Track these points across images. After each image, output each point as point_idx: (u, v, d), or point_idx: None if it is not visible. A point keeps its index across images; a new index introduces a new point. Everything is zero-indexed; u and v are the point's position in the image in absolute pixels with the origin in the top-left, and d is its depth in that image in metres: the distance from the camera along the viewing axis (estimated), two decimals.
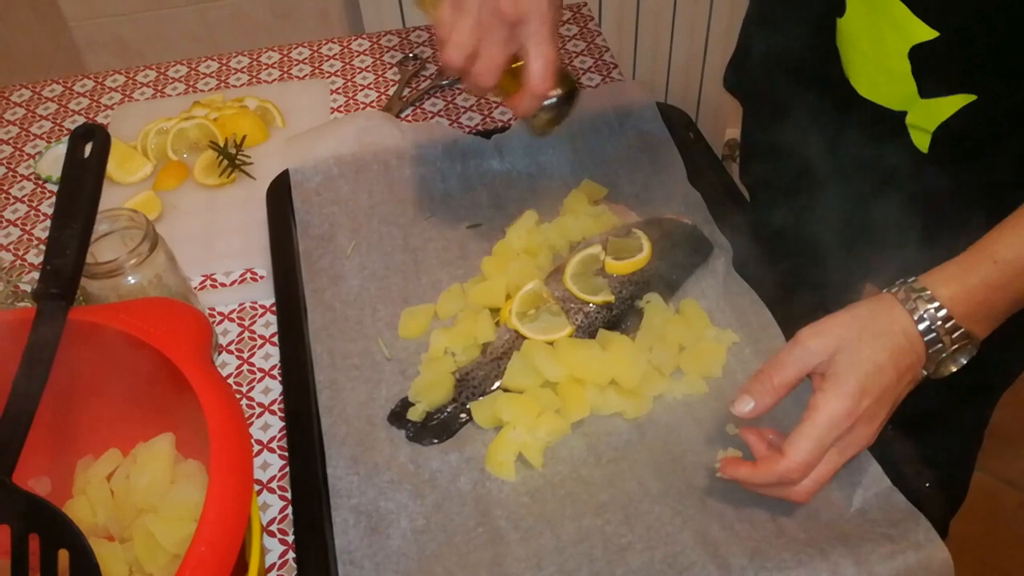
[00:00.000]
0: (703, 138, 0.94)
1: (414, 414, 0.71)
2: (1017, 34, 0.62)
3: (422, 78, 1.10)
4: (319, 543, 0.63)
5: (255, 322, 0.84)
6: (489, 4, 0.64)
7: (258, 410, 0.76)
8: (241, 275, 0.88)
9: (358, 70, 1.12)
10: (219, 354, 0.81)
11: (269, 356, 0.80)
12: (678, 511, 0.64)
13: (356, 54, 1.15)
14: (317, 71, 1.12)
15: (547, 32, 0.65)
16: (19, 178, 1.01)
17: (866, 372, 0.57)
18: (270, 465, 0.73)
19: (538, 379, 0.72)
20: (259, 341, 0.82)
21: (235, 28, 1.67)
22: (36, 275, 0.88)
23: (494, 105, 1.05)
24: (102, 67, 1.17)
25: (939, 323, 0.58)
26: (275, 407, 0.77)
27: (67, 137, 1.03)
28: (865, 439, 0.59)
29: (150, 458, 0.62)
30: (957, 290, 0.58)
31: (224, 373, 0.79)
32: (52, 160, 1.01)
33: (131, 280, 0.71)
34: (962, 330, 0.58)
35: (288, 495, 0.70)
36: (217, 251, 0.90)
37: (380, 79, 1.10)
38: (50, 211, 0.96)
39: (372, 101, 1.07)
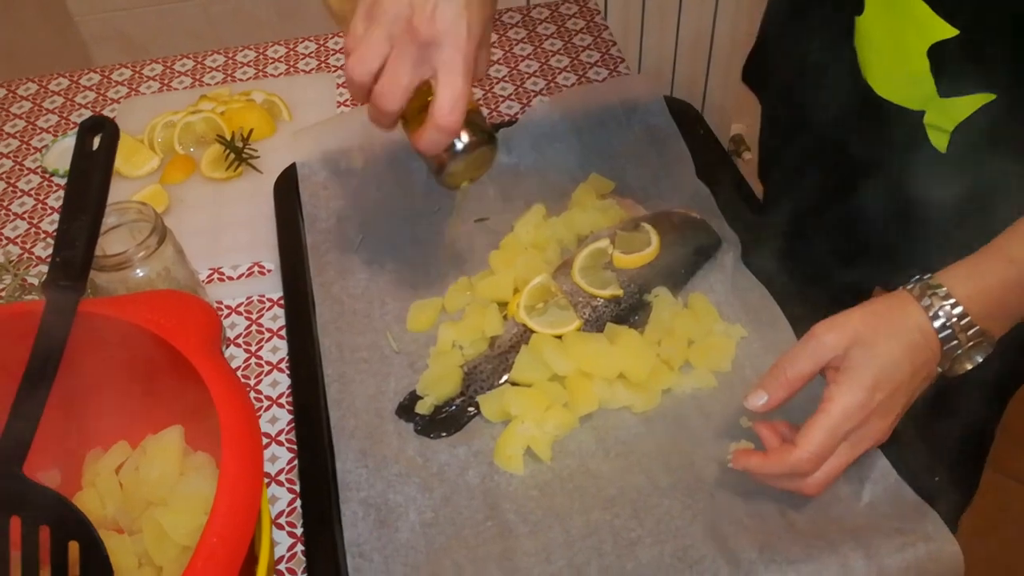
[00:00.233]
0: (711, 132, 0.94)
1: (422, 407, 0.71)
2: None
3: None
4: (328, 536, 0.64)
5: (263, 315, 0.84)
6: (402, 19, 0.58)
7: (266, 403, 0.76)
8: (248, 268, 0.88)
9: None
10: (227, 347, 0.81)
11: (277, 349, 0.80)
12: (687, 505, 0.64)
13: None
14: (323, 65, 1.12)
15: (461, 62, 0.59)
16: (26, 172, 1.01)
17: (881, 366, 0.57)
18: (278, 458, 0.73)
19: (546, 373, 0.72)
20: (267, 334, 0.82)
21: (239, 24, 1.67)
22: (43, 268, 0.88)
23: (500, 99, 1.05)
24: (108, 62, 1.17)
25: (955, 320, 0.57)
26: (283, 400, 0.77)
27: (74, 131, 1.03)
28: (879, 433, 0.59)
29: (159, 450, 0.62)
30: (973, 288, 0.57)
31: (232, 366, 0.79)
32: (59, 154, 1.01)
33: (139, 273, 0.71)
34: (977, 328, 0.58)
35: (297, 488, 0.70)
36: (224, 244, 0.90)
37: None
38: (57, 205, 0.96)
39: None
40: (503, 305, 0.78)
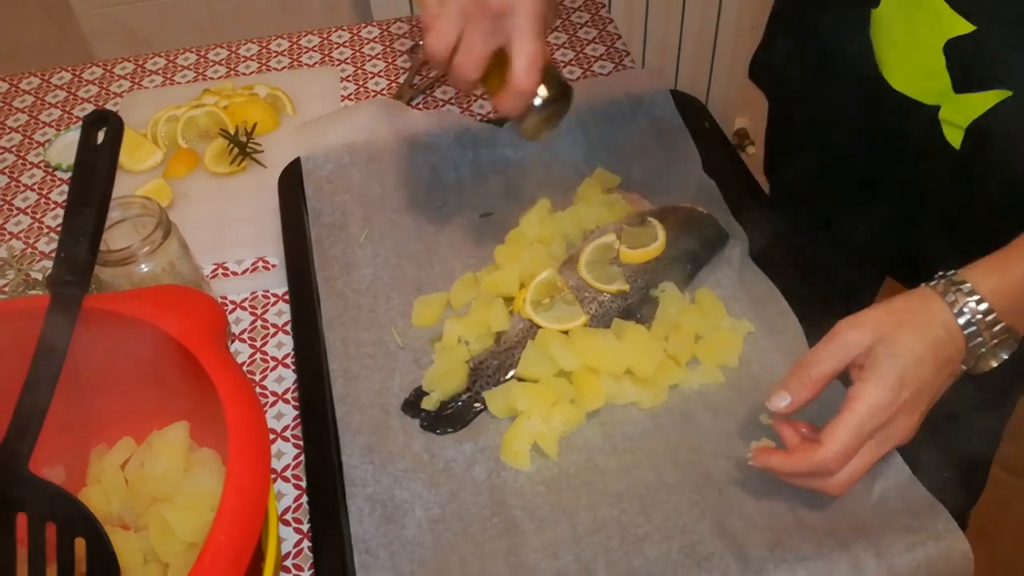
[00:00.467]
0: (717, 126, 0.93)
1: (428, 403, 0.71)
2: None
3: (432, 66, 1.09)
4: (334, 532, 0.63)
5: (267, 311, 0.83)
6: None
7: (271, 399, 0.76)
8: (253, 263, 0.88)
9: (368, 58, 1.11)
10: (232, 343, 0.81)
11: (282, 344, 0.80)
12: (695, 501, 0.64)
13: (366, 41, 1.14)
14: (327, 59, 1.12)
15: (533, 26, 0.62)
16: (29, 166, 1.00)
17: (906, 363, 0.56)
18: (284, 454, 0.72)
19: (553, 368, 0.71)
20: (272, 330, 0.81)
21: (242, 17, 1.66)
22: (47, 263, 0.88)
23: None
24: (110, 56, 1.17)
25: (979, 317, 0.56)
26: (288, 395, 0.76)
27: (76, 125, 1.03)
28: (904, 432, 0.58)
29: (164, 446, 0.62)
30: (998, 284, 0.57)
31: (237, 362, 0.79)
32: (62, 148, 1.00)
33: (144, 268, 0.70)
34: (1003, 324, 0.57)
35: (303, 484, 0.70)
36: (228, 239, 0.89)
37: (390, 67, 1.10)
38: (60, 199, 0.96)
39: (383, 89, 1.06)
40: (509, 300, 0.78)
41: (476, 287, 0.79)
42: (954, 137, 0.69)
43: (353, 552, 0.62)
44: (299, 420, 0.73)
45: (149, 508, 0.60)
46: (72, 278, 0.58)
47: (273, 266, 0.87)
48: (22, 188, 0.98)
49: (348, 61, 1.11)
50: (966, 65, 0.65)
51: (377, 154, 0.91)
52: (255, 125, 0.98)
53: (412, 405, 0.72)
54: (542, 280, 0.77)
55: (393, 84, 1.07)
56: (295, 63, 1.11)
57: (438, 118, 0.93)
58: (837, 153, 0.81)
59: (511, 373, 0.73)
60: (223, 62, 1.12)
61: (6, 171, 1.00)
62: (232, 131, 0.97)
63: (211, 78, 1.10)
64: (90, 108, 1.07)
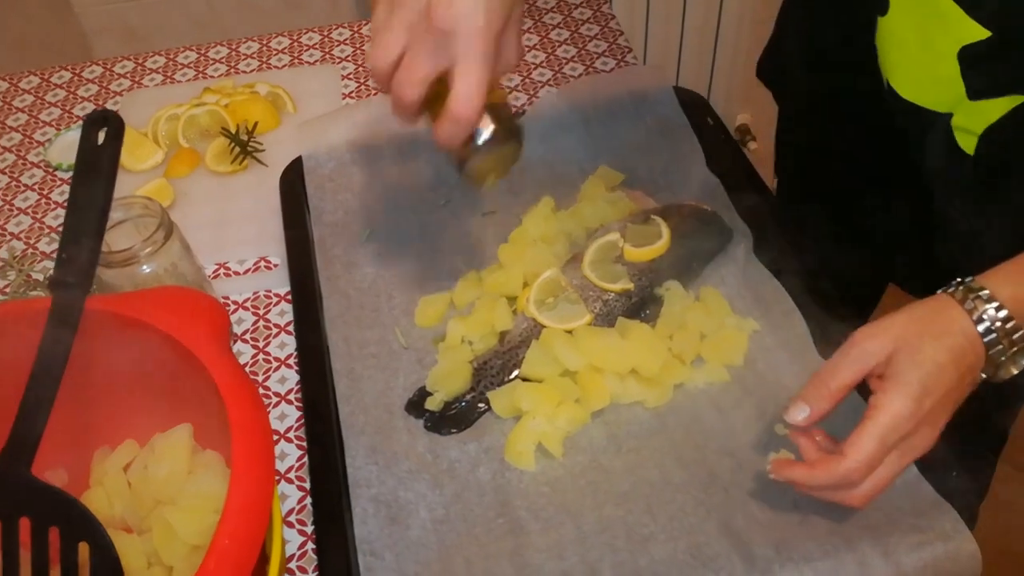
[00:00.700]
0: (720, 122, 0.93)
1: (432, 403, 0.71)
2: None
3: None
4: (339, 533, 0.63)
5: (270, 310, 0.83)
6: (421, 6, 0.56)
7: (274, 399, 0.76)
8: (255, 263, 0.87)
9: None
10: (234, 343, 0.80)
11: (285, 345, 0.80)
12: (701, 501, 0.64)
13: (367, 39, 1.14)
14: (328, 56, 1.11)
15: (481, 49, 0.55)
16: (29, 166, 1.00)
17: (928, 372, 0.55)
18: (288, 455, 0.72)
19: (557, 368, 0.71)
20: (274, 330, 0.81)
21: (243, 14, 1.66)
22: (48, 264, 0.88)
23: (507, 90, 1.04)
24: (109, 54, 1.16)
25: (999, 324, 0.55)
26: (291, 396, 0.76)
27: (77, 124, 1.03)
28: (927, 442, 0.57)
29: (168, 449, 0.61)
30: (1016, 290, 0.56)
31: (240, 362, 0.78)
32: (62, 147, 1.00)
33: (146, 269, 0.70)
34: (1022, 331, 0.56)
35: (306, 485, 0.70)
36: (230, 239, 0.89)
37: None
38: (60, 199, 0.95)
39: None
40: (512, 299, 0.77)
41: (479, 286, 0.79)
42: (967, 143, 0.68)
43: (357, 554, 0.62)
44: (302, 421, 0.73)
45: (152, 511, 0.60)
46: (74, 280, 0.57)
47: (275, 266, 0.87)
48: (22, 188, 0.97)
49: (349, 59, 1.10)
50: (981, 71, 0.63)
51: (379, 152, 0.90)
52: (256, 124, 0.97)
53: (416, 405, 0.71)
54: (546, 279, 0.76)
55: None
56: (296, 61, 1.11)
57: None
58: (846, 159, 0.80)
59: (515, 373, 0.72)
60: (223, 60, 1.12)
61: (6, 171, 0.99)
62: (233, 130, 0.96)
63: (212, 76, 1.09)
64: (90, 107, 1.06)
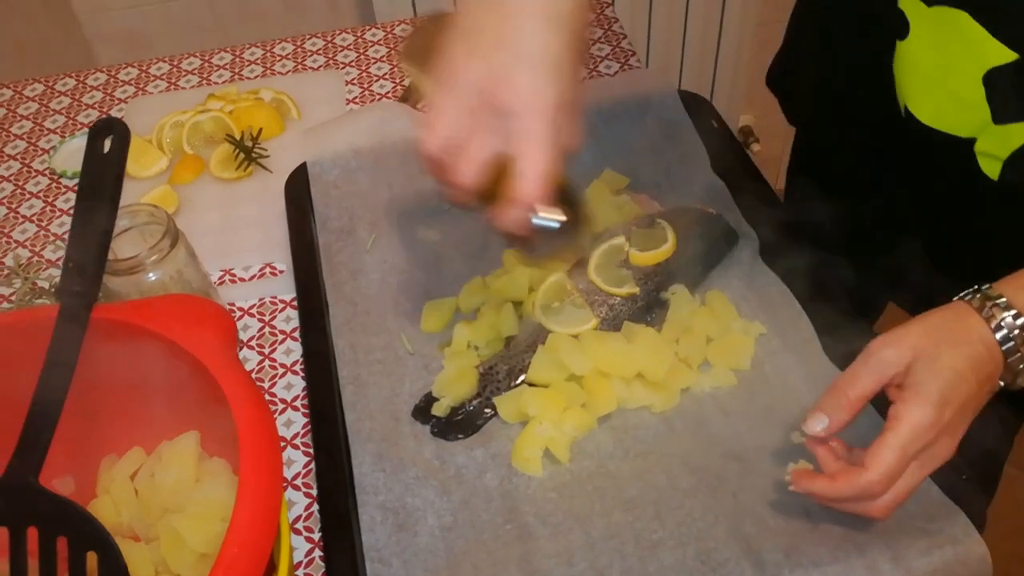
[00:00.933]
0: (725, 125, 0.93)
1: (438, 409, 0.71)
2: None
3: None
4: (346, 541, 0.63)
5: (275, 317, 0.83)
6: (484, 87, 0.53)
7: (281, 406, 0.76)
8: (260, 270, 0.87)
9: (373, 60, 1.11)
10: (240, 349, 0.80)
11: (291, 351, 0.80)
12: (709, 506, 0.63)
13: (370, 44, 1.14)
14: (331, 62, 1.11)
15: (543, 131, 0.52)
16: (34, 173, 1.00)
17: (947, 381, 0.54)
18: (295, 462, 0.72)
19: (563, 373, 0.71)
20: (280, 336, 0.81)
21: (246, 19, 1.66)
22: (53, 271, 0.88)
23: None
24: (113, 61, 1.16)
25: (1017, 331, 0.55)
26: (298, 403, 0.76)
27: (82, 132, 1.03)
28: (947, 452, 0.56)
29: (175, 456, 0.61)
30: None
31: (246, 369, 0.78)
32: (67, 155, 1.00)
33: (152, 276, 0.70)
34: None
35: (313, 492, 0.70)
36: (236, 245, 0.89)
37: (395, 69, 1.09)
38: (66, 207, 0.95)
39: (388, 92, 1.06)
40: (518, 304, 0.77)
41: (485, 291, 0.78)
42: (991, 168, 0.67)
43: (365, 561, 0.62)
44: (309, 428, 0.73)
45: (160, 519, 0.60)
46: (80, 288, 0.57)
47: (281, 272, 0.87)
48: (27, 196, 0.97)
49: (353, 64, 1.11)
50: (1008, 95, 0.62)
51: (384, 158, 0.90)
52: (260, 130, 0.97)
53: (422, 411, 0.71)
54: (551, 284, 0.76)
55: (399, 87, 1.06)
56: (299, 66, 1.11)
57: None
58: (860, 182, 0.79)
59: (521, 378, 0.72)
60: (227, 66, 1.12)
61: (11, 179, 0.99)
62: (238, 136, 0.96)
63: (215, 83, 1.10)
64: (95, 114, 1.07)
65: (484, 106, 0.53)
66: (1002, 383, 0.58)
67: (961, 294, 0.58)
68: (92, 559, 0.50)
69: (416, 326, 0.77)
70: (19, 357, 0.55)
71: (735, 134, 2.10)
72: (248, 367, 0.79)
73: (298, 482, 0.71)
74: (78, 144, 1.00)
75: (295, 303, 0.82)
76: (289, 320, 0.82)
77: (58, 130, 1.05)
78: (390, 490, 0.66)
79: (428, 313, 0.78)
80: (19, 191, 0.98)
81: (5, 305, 0.85)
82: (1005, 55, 0.60)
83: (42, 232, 0.93)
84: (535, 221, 0.55)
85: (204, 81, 1.10)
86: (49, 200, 0.97)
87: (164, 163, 0.97)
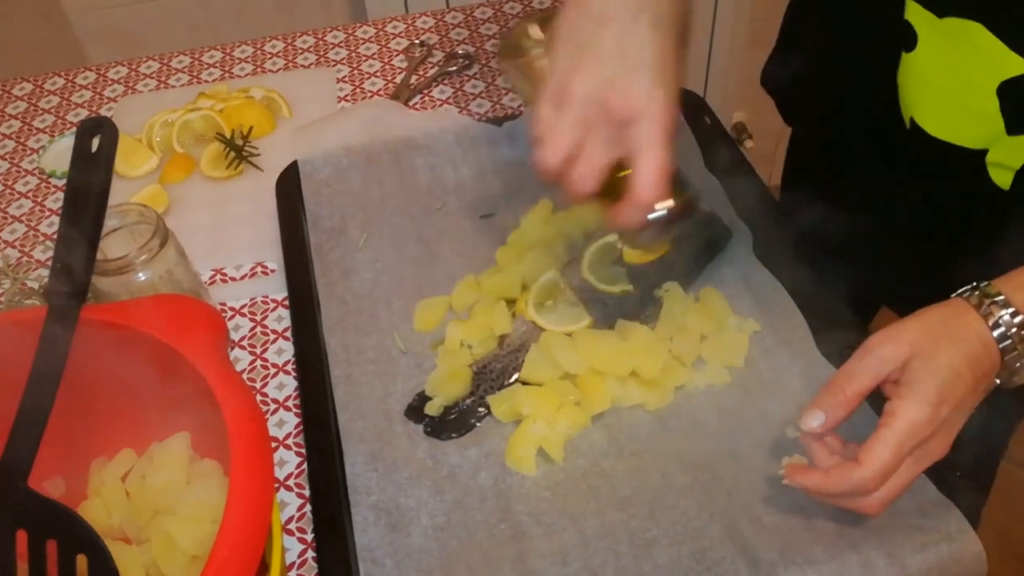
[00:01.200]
0: (718, 122, 0.92)
1: (431, 408, 0.70)
2: None
3: (429, 65, 1.08)
4: (339, 541, 0.62)
5: (267, 317, 0.82)
6: (595, 99, 0.57)
7: (272, 406, 0.75)
8: (251, 269, 0.87)
9: (364, 58, 1.10)
10: (232, 349, 0.80)
11: (282, 351, 0.79)
12: (704, 505, 0.63)
13: (361, 41, 1.13)
14: (323, 59, 1.11)
15: (659, 134, 0.57)
16: (23, 173, 0.99)
17: (944, 379, 0.54)
18: (287, 462, 0.71)
19: (557, 371, 0.71)
20: (271, 336, 0.81)
21: (237, 17, 1.65)
22: (42, 272, 0.87)
23: (504, 92, 1.03)
24: (103, 59, 1.16)
25: (1015, 329, 0.55)
26: (290, 403, 0.75)
27: (71, 131, 1.02)
28: (942, 449, 0.56)
29: (166, 458, 0.61)
30: None
31: (237, 369, 0.78)
32: (56, 154, 0.99)
33: (142, 276, 0.69)
34: None
35: (306, 492, 0.69)
36: (226, 245, 0.88)
37: (387, 66, 1.09)
38: (55, 206, 0.95)
39: (379, 89, 1.05)
40: (511, 303, 0.77)
41: (478, 290, 0.78)
42: (1002, 179, 0.66)
43: (358, 562, 0.61)
44: (301, 428, 0.72)
45: (151, 521, 0.59)
46: (69, 289, 0.57)
47: (272, 271, 0.86)
48: (16, 196, 0.97)
49: (344, 61, 1.10)
50: (1023, 105, 0.62)
51: (375, 156, 0.90)
52: (251, 128, 0.97)
53: (415, 410, 0.71)
54: (545, 282, 0.76)
55: (390, 84, 1.06)
56: (290, 64, 1.10)
57: (437, 118, 0.92)
58: (858, 184, 0.78)
59: (515, 377, 0.72)
60: (217, 64, 1.11)
61: (0, 178, 0.99)
62: (228, 135, 0.96)
63: (206, 81, 1.09)
64: (84, 113, 1.06)
65: (597, 117, 0.57)
66: (998, 381, 0.58)
67: (959, 291, 0.58)
68: (82, 562, 0.49)
69: (409, 325, 0.77)
70: (8, 358, 0.55)
71: (728, 130, 2.10)
72: (239, 367, 0.78)
73: (290, 482, 0.70)
74: (67, 143, 0.99)
75: (287, 302, 0.81)
76: (281, 320, 0.82)
77: (47, 129, 1.04)
78: (383, 490, 0.65)
79: (421, 312, 0.77)
80: (8, 191, 0.97)
81: None
82: (1020, 66, 0.60)
83: (31, 232, 0.92)
84: (651, 217, 0.59)
85: (194, 79, 1.09)
86: (38, 200, 0.96)
87: (154, 162, 0.96)
